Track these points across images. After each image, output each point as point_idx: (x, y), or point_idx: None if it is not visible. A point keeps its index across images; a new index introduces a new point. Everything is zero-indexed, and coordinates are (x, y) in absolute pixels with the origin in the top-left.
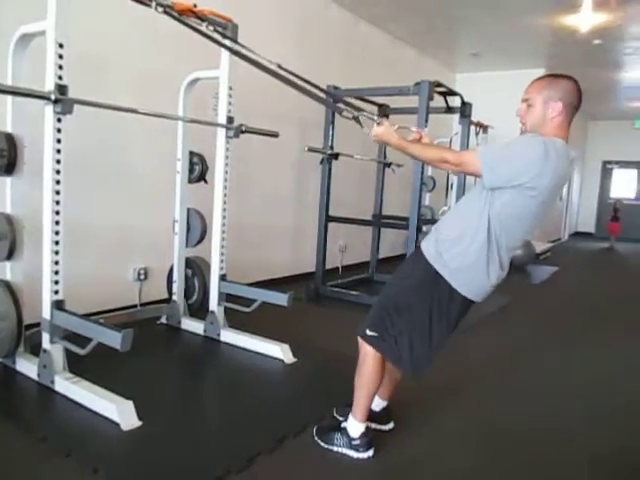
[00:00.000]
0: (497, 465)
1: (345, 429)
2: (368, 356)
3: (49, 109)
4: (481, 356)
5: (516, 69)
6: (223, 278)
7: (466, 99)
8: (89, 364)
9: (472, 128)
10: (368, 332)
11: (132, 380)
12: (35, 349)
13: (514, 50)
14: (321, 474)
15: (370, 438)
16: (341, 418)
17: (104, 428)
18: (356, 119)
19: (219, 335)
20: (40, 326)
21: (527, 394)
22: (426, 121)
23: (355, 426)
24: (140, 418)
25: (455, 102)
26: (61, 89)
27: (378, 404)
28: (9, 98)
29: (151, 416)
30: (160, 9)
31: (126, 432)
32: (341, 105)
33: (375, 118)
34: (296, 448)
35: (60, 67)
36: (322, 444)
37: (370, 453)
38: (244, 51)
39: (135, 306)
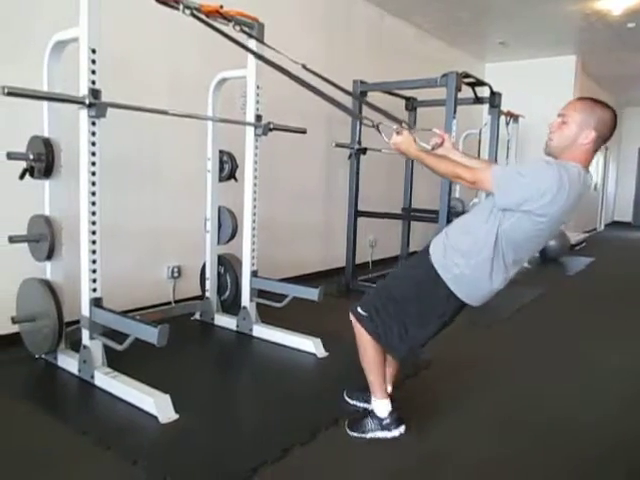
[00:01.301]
0: (525, 457)
1: (373, 412)
2: (363, 336)
3: (83, 113)
4: (512, 346)
5: (546, 57)
6: (255, 274)
7: (495, 89)
8: (127, 359)
9: (502, 118)
10: (359, 310)
11: (168, 374)
12: (75, 345)
13: (543, 37)
14: (353, 465)
15: (398, 415)
16: (352, 401)
17: (142, 421)
18: (376, 127)
19: (251, 330)
20: (80, 323)
21: (559, 385)
22: (454, 112)
23: (380, 405)
24: (177, 411)
25: (484, 92)
26: (94, 93)
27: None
28: (45, 104)
29: (187, 409)
30: (187, 12)
31: (164, 425)
32: (364, 114)
33: (394, 127)
34: (329, 440)
35: (93, 72)
36: (356, 434)
37: (402, 429)
38: (269, 52)
39: (169, 303)
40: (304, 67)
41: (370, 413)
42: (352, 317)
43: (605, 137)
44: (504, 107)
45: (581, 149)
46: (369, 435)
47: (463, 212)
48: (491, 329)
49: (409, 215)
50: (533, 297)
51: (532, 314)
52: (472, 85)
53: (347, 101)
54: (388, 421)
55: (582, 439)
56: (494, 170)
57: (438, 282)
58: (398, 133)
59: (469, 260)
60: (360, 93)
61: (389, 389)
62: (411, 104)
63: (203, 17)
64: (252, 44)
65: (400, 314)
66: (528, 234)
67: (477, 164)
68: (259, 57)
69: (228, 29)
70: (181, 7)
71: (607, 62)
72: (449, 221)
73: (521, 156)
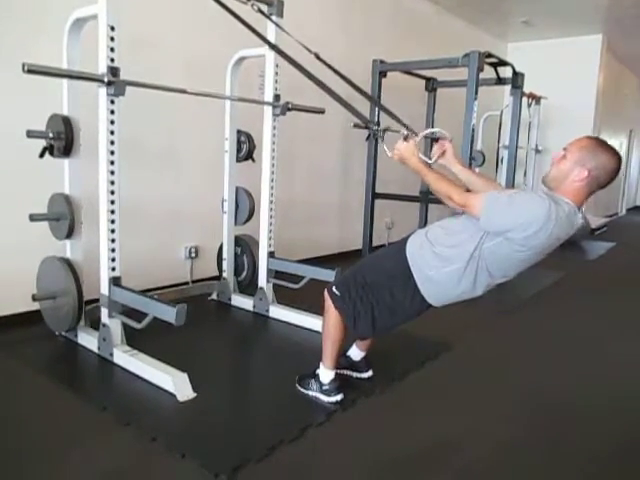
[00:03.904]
0: (540, 441)
1: (318, 375)
2: (330, 310)
3: (102, 91)
4: (531, 331)
5: (570, 36)
6: (271, 255)
7: (518, 69)
8: (145, 338)
9: (524, 100)
10: (334, 289)
11: (185, 354)
12: (95, 323)
13: (568, 16)
14: (369, 446)
15: (339, 384)
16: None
17: (161, 399)
18: (382, 133)
19: (268, 311)
20: (99, 301)
21: (577, 371)
22: (476, 94)
23: (325, 373)
24: (195, 390)
25: (506, 73)
26: (113, 71)
27: (357, 354)
28: (64, 82)
29: (205, 388)
30: None
31: (182, 403)
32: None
33: (403, 131)
34: (346, 421)
35: (112, 49)
36: (301, 389)
37: (339, 397)
38: (284, 37)
39: (187, 283)
40: (317, 57)
41: (315, 376)
42: (326, 293)
43: (601, 181)
44: (526, 88)
45: (573, 186)
46: (311, 394)
47: None
48: (511, 312)
49: (427, 198)
50: (553, 281)
51: (552, 298)
52: (494, 65)
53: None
54: (328, 387)
55: (599, 428)
56: (487, 198)
57: (409, 279)
58: (406, 139)
59: (446, 267)
60: (379, 73)
61: (363, 354)
62: (431, 85)
63: None
64: (270, 26)
65: (371, 301)
66: (507, 257)
67: (477, 181)
68: (273, 47)
69: (246, 9)
70: None
71: (635, 42)
72: None
73: (542, 139)
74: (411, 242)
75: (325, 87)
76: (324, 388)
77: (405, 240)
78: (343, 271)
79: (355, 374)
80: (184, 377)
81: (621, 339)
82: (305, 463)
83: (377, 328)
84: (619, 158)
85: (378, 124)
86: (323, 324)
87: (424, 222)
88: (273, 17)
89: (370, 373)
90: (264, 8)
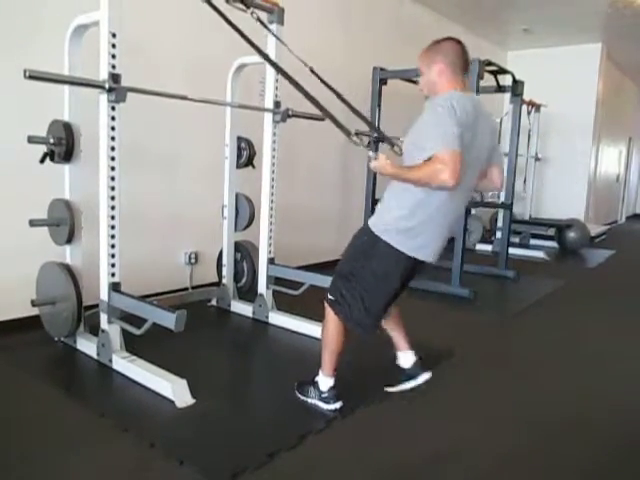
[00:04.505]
0: (540, 451)
1: (317, 383)
2: (329, 317)
3: (103, 98)
4: (530, 338)
5: (570, 44)
6: (271, 261)
7: (518, 77)
8: (144, 344)
9: (523, 108)
10: (329, 295)
11: (185, 360)
12: (94, 329)
13: (567, 24)
14: (368, 454)
15: (337, 392)
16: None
17: (160, 405)
18: (368, 145)
19: (267, 317)
20: (98, 307)
21: (577, 380)
22: None
23: (324, 380)
24: (194, 396)
25: (506, 81)
26: (114, 78)
27: (406, 360)
28: (66, 88)
29: (204, 394)
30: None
31: (180, 409)
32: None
33: (370, 154)
34: (345, 428)
35: (113, 56)
36: (300, 397)
37: (337, 405)
38: (286, 37)
39: (186, 289)
40: (312, 71)
41: (314, 383)
42: (325, 303)
43: (457, 61)
44: (526, 96)
45: (442, 81)
46: (310, 401)
47: (482, 201)
48: (510, 320)
49: None
50: (553, 288)
51: (552, 306)
52: (494, 73)
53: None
54: (326, 395)
55: (599, 437)
56: (442, 142)
57: (378, 244)
58: (376, 159)
59: (399, 202)
60: (380, 80)
61: (410, 355)
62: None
63: (218, 7)
64: (272, 28)
65: (358, 289)
66: None
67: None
68: (270, 61)
69: (246, 16)
70: None
71: (634, 51)
72: (468, 211)
73: (542, 146)
74: (370, 219)
75: (311, 97)
76: (323, 396)
77: (365, 222)
78: None
79: (413, 383)
80: (183, 383)
81: (622, 347)
82: (304, 471)
83: (373, 312)
84: (453, 38)
85: (378, 135)
86: (322, 332)
87: None
88: (274, 25)
89: (428, 375)
90: (264, 16)
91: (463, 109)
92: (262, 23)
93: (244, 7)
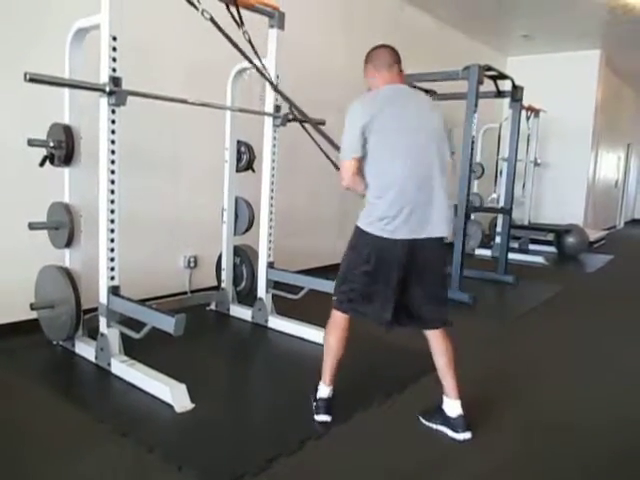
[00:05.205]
0: (539, 457)
1: (317, 389)
2: (330, 323)
3: (104, 101)
4: (530, 344)
5: (569, 51)
6: (271, 265)
7: (517, 83)
8: (143, 348)
9: (522, 113)
10: (334, 298)
11: (184, 364)
12: (93, 333)
13: (567, 30)
14: (367, 460)
15: (328, 405)
16: (428, 423)
17: (158, 410)
18: None
19: (267, 322)
20: (97, 311)
21: (576, 385)
22: (475, 106)
23: (321, 388)
24: (193, 401)
25: (505, 86)
26: (115, 81)
27: (451, 408)
28: (66, 91)
29: (203, 399)
30: (207, 15)
31: (179, 414)
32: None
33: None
34: (344, 434)
35: (114, 59)
36: (311, 397)
37: (323, 418)
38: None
39: (185, 293)
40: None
41: (316, 389)
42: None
43: (375, 58)
44: (525, 102)
45: (375, 79)
46: (313, 404)
47: (481, 207)
48: (510, 325)
49: None
50: (553, 293)
51: (551, 311)
52: (494, 78)
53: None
54: (316, 404)
55: (599, 443)
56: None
57: (367, 236)
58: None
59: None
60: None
61: (455, 405)
62: (431, 97)
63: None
64: (273, 33)
65: (358, 286)
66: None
67: None
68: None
69: (247, 18)
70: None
71: (632, 57)
72: (467, 216)
73: (541, 152)
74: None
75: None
76: (314, 404)
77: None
78: None
79: (450, 432)
80: (182, 388)
81: (621, 352)
82: (303, 477)
83: (382, 306)
84: (379, 45)
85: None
86: (324, 341)
87: None
88: (274, 29)
89: (468, 435)
90: (265, 20)
91: (373, 99)
92: (251, 44)
93: (238, 24)
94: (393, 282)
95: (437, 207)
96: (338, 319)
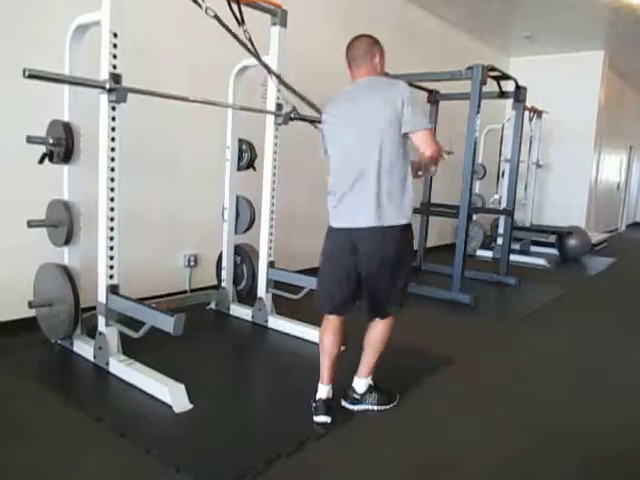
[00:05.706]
0: (540, 460)
1: (317, 390)
2: (322, 323)
3: (104, 98)
4: (532, 346)
5: (572, 52)
6: (271, 265)
7: (520, 84)
8: (142, 347)
9: (526, 114)
10: (314, 305)
11: (183, 364)
12: (91, 332)
13: (570, 31)
14: (367, 460)
15: (328, 406)
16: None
17: (157, 410)
18: None
19: (267, 321)
20: (96, 309)
21: (578, 388)
22: (479, 107)
23: (319, 388)
24: (191, 401)
25: (509, 87)
26: (115, 78)
27: (359, 386)
28: (66, 88)
29: (202, 399)
30: (211, 13)
31: (178, 414)
32: None
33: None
34: (344, 434)
35: (114, 56)
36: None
37: (321, 419)
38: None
39: (185, 292)
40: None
41: (316, 390)
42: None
43: (346, 58)
44: (528, 103)
45: (355, 77)
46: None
47: (483, 208)
48: (511, 327)
49: (428, 210)
50: (554, 296)
51: (553, 314)
52: (497, 79)
53: None
54: (314, 405)
55: (598, 446)
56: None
57: (334, 232)
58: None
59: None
60: None
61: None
62: (434, 97)
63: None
64: (275, 30)
65: (324, 281)
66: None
67: None
68: (270, 71)
69: (250, 17)
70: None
71: (636, 59)
72: (469, 217)
73: (544, 153)
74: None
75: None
76: (313, 404)
77: None
78: None
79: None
80: (181, 388)
81: (623, 355)
82: (303, 478)
83: (335, 297)
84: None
85: None
86: (319, 337)
87: (425, 233)
88: (277, 27)
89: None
90: (267, 17)
91: (333, 100)
92: (251, 43)
93: (238, 22)
94: (347, 270)
95: (369, 196)
96: (328, 320)
